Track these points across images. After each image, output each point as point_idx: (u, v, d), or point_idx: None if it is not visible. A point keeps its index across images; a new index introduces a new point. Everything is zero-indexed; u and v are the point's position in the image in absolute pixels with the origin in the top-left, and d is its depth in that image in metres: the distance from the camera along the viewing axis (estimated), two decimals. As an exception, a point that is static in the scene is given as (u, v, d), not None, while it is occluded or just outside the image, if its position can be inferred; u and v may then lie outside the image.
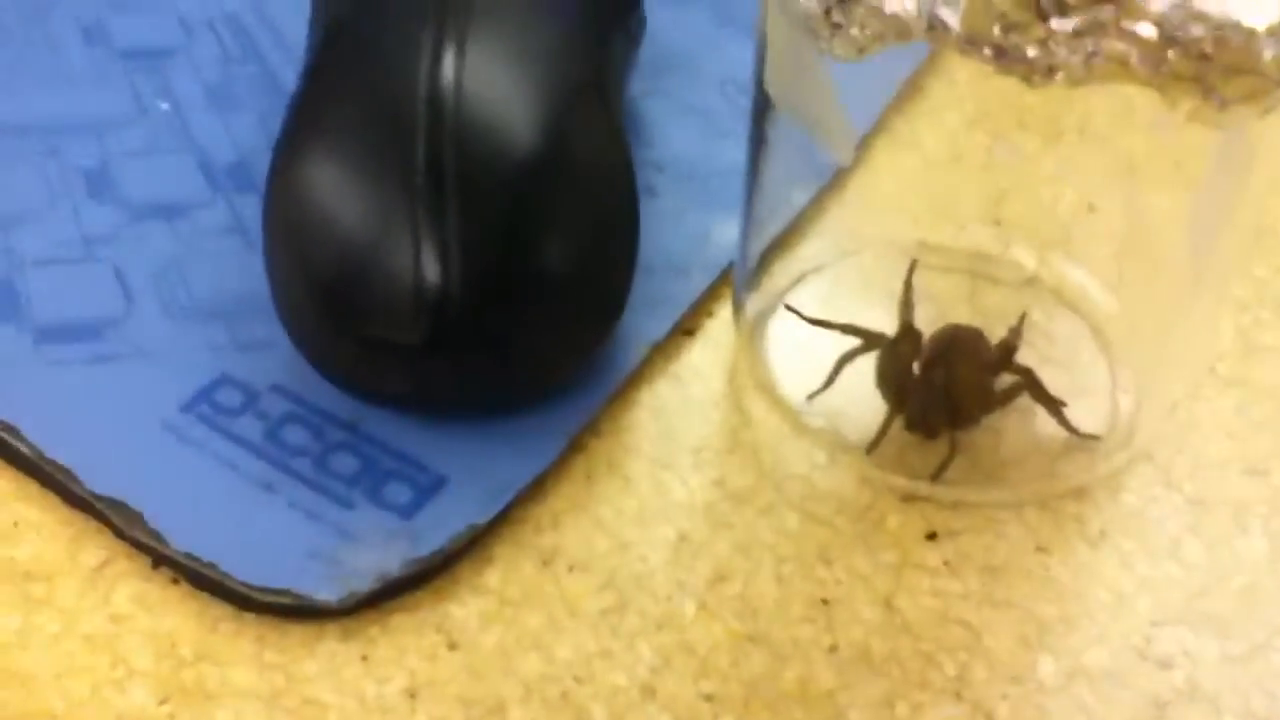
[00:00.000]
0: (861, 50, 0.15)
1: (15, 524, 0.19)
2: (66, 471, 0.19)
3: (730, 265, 0.23)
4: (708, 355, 0.22)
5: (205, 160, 0.25)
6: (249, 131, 0.26)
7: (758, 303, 0.22)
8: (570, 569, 0.19)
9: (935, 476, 0.20)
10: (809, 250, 0.24)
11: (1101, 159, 0.23)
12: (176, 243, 0.23)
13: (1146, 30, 0.14)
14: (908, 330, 0.20)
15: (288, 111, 0.22)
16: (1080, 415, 0.20)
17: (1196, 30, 0.13)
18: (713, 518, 0.19)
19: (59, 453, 0.20)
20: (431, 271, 0.19)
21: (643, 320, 0.22)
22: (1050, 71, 0.14)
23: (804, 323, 0.21)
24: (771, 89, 0.19)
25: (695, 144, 0.26)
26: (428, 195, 0.19)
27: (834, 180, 0.24)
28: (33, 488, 0.20)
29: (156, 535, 0.18)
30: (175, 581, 0.18)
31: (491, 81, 0.21)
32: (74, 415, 0.20)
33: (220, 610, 0.18)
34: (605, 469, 0.20)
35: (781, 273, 0.23)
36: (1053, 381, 0.21)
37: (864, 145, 0.26)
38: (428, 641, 0.18)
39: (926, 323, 0.21)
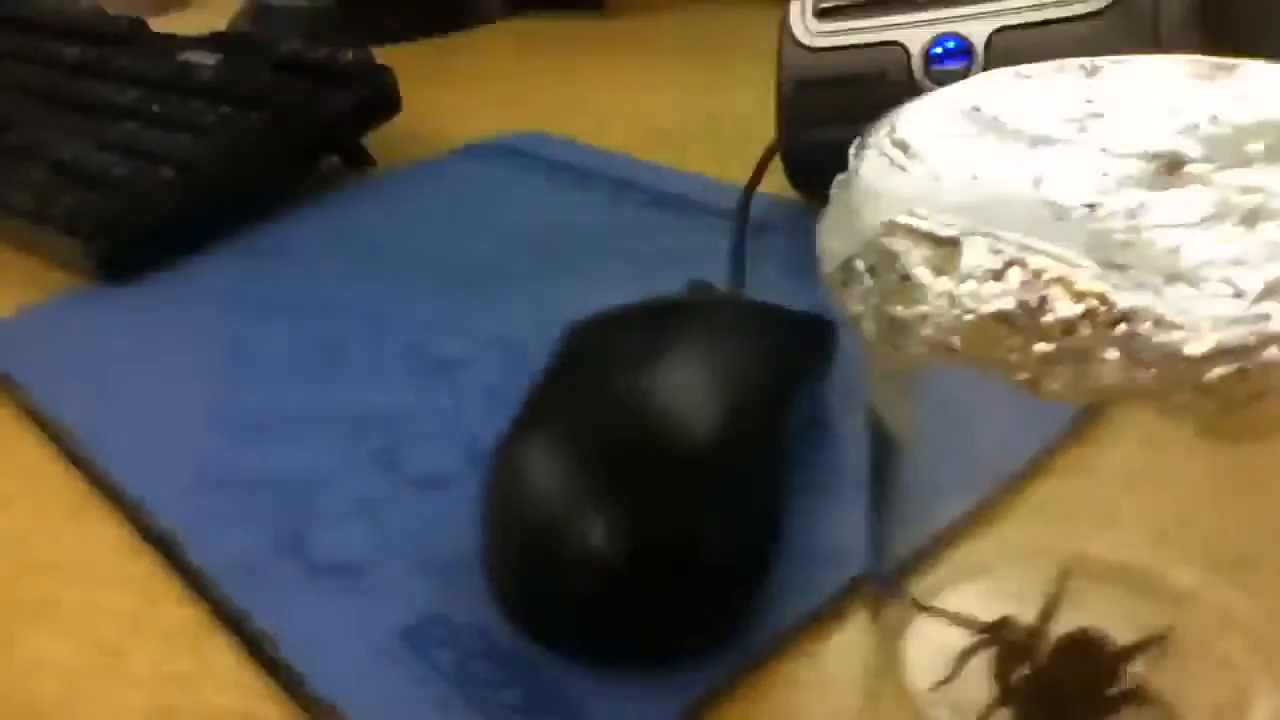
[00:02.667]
0: (911, 366, 0.18)
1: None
2: (300, 675, 0.24)
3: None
4: (849, 639, 0.24)
5: (471, 445, 0.31)
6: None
7: (905, 598, 0.24)
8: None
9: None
10: (969, 554, 0.25)
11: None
12: (433, 507, 0.29)
13: (1112, 354, 0.16)
14: (1025, 628, 0.21)
15: (517, 411, 0.27)
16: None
17: (1149, 356, 0.16)
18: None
19: (296, 657, 0.24)
20: (598, 544, 0.23)
21: (793, 601, 0.25)
22: (1043, 385, 0.16)
23: (941, 619, 0.23)
24: (868, 397, 0.22)
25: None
26: (607, 480, 0.23)
27: (1005, 492, 0.26)
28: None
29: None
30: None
31: (676, 398, 0.25)
32: (317, 633, 0.25)
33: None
34: (734, 732, 0.22)
35: (938, 573, 0.25)
36: (1193, 696, 0.21)
37: (1041, 463, 0.27)
38: None
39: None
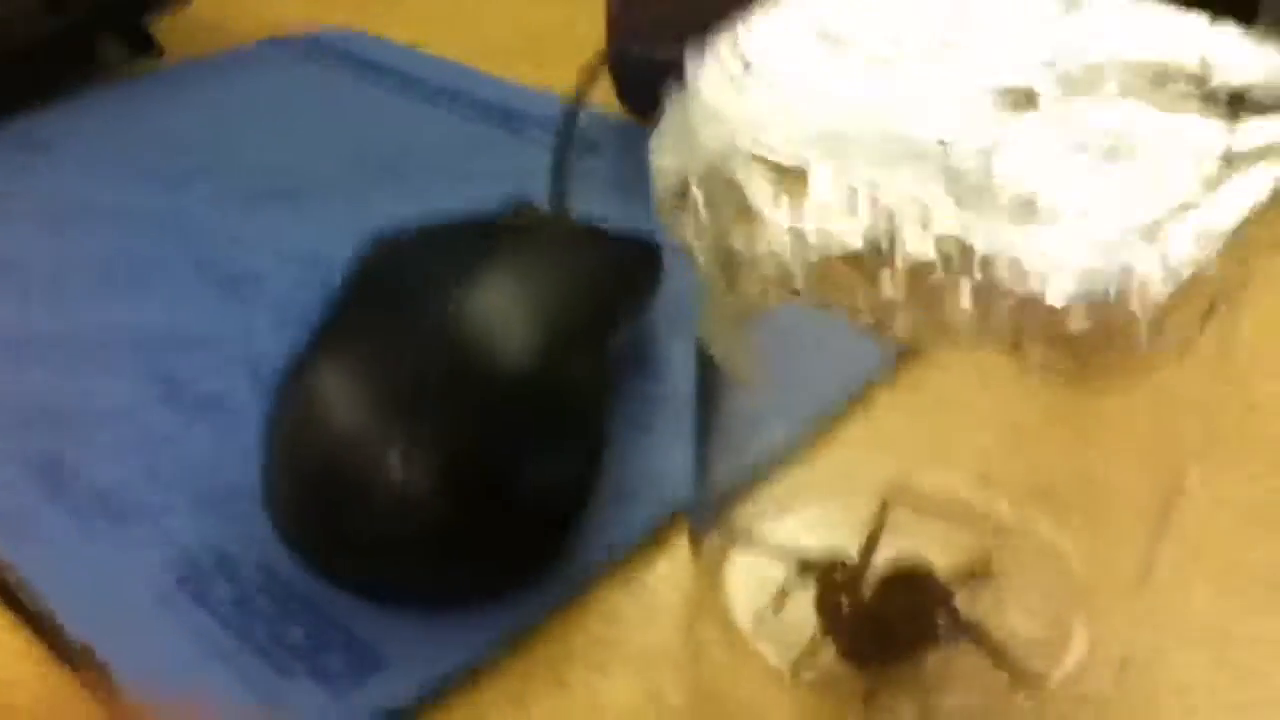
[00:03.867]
0: (749, 304, 0.17)
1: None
2: (58, 624, 0.21)
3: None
4: (671, 571, 0.23)
5: (256, 368, 0.28)
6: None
7: (726, 529, 0.23)
8: (488, 763, 0.19)
9: (866, 703, 0.20)
10: (790, 484, 0.24)
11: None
12: (208, 434, 0.26)
13: (965, 300, 0.15)
14: (845, 563, 0.21)
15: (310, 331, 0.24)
16: (1033, 661, 0.20)
17: (1005, 303, 0.15)
18: (637, 729, 0.20)
19: (56, 605, 0.22)
20: (395, 471, 0.21)
21: (610, 534, 0.23)
22: (890, 329, 0.15)
23: (763, 553, 0.22)
24: (701, 330, 0.20)
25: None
26: (408, 402, 0.21)
27: (828, 423, 0.25)
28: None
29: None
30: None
31: (487, 318, 0.23)
32: (80, 576, 0.22)
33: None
34: (543, 668, 0.21)
35: (759, 503, 0.24)
36: (1013, 625, 0.21)
37: (864, 394, 0.27)
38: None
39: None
